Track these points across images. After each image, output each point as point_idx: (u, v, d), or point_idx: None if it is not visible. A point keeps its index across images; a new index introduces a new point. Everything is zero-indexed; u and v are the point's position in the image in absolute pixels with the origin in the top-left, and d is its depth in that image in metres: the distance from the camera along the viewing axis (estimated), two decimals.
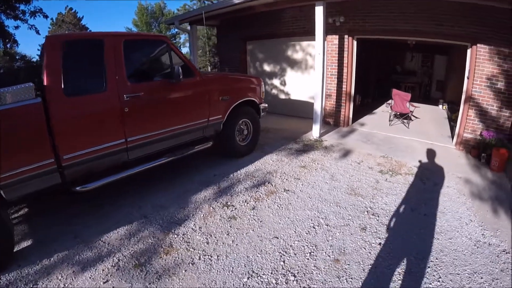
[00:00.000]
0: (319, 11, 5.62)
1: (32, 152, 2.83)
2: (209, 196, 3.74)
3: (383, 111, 8.50)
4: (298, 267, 2.51)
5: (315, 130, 6.11)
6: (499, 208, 3.58)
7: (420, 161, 4.89)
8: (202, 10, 7.21)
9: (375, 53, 9.79)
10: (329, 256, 2.66)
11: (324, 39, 5.87)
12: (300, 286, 2.30)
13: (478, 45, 4.95)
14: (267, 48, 8.28)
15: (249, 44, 8.64)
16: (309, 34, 6.96)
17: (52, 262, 2.75)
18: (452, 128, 6.40)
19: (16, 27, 11.45)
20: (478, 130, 5.16)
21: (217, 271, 2.50)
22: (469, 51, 5.18)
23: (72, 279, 2.52)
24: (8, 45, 10.86)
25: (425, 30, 5.60)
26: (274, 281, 2.36)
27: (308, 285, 2.31)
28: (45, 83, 2.86)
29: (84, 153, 3.13)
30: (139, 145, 3.56)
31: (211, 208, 3.46)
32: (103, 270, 2.60)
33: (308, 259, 2.61)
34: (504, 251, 2.79)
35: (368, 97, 9.61)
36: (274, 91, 8.42)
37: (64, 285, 2.45)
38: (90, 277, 2.53)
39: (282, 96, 8.25)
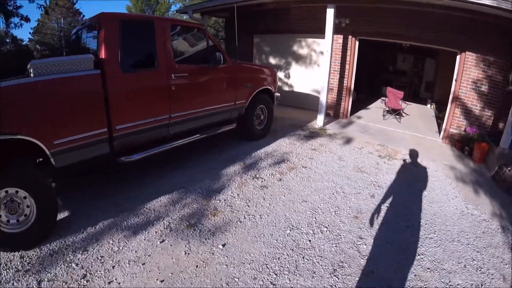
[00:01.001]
0: (330, 13, 6.19)
1: (87, 120, 2.99)
2: (238, 171, 4.26)
3: (376, 107, 9.25)
4: (328, 222, 3.14)
5: (320, 120, 6.75)
6: (479, 190, 4.32)
7: (411, 150, 5.61)
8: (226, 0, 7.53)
9: (370, 52, 10.51)
10: (349, 214, 3.31)
11: (332, 38, 6.45)
12: (333, 234, 2.92)
13: (467, 52, 5.70)
14: (273, 42, 8.79)
15: (255, 37, 9.12)
16: (314, 32, 7.56)
17: (99, 230, 2.88)
18: (439, 125, 7.21)
19: (18, 7, 11.30)
20: (462, 126, 5.96)
21: (263, 226, 3.04)
22: (458, 57, 5.93)
23: (125, 242, 2.71)
24: (12, 24, 10.78)
25: (421, 36, 6.33)
26: (311, 232, 2.97)
27: (338, 233, 2.94)
28: (103, 56, 3.06)
29: (133, 125, 3.39)
30: (179, 122, 3.94)
31: (243, 179, 4.00)
32: (156, 232, 2.87)
33: (334, 216, 3.24)
34: (484, 220, 3.50)
35: (362, 93, 10.34)
36: (278, 83, 8.96)
37: (118, 248, 2.64)
38: (144, 239, 2.77)
39: (286, 88, 8.81)
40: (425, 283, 2.42)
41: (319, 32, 6.81)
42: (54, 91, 2.76)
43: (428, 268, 2.60)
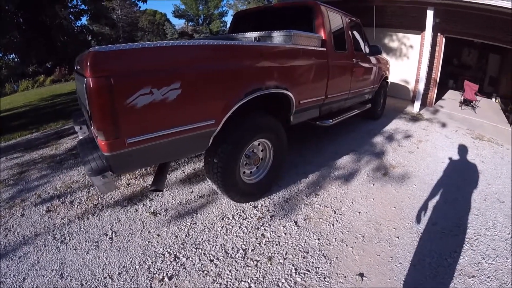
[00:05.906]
0: (429, 14, 7.32)
1: (317, 87, 3.51)
2: (382, 140, 5.59)
3: (448, 98, 10.47)
4: (465, 169, 4.56)
5: (416, 106, 8.11)
6: None
7: (492, 135, 6.83)
8: None
9: None
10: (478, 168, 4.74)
11: (436, 36, 7.63)
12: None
13: None
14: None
15: None
16: (405, 27, 8.71)
17: (314, 180, 3.51)
18: (507, 117, 8.45)
19: None
20: None
21: (430, 174, 4.26)
22: None
23: (346, 187, 3.52)
24: None
25: (500, 37, 7.40)
26: (459, 177, 4.33)
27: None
28: (324, 37, 3.57)
29: (333, 96, 3.97)
30: (351, 97, 4.80)
31: (392, 146, 5.34)
32: (363, 179, 3.83)
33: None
34: None
35: None
36: None
37: (344, 191, 3.46)
38: (358, 184, 3.68)
39: None
40: None
41: (410, 28, 7.87)
42: (306, 58, 3.24)
43: None
